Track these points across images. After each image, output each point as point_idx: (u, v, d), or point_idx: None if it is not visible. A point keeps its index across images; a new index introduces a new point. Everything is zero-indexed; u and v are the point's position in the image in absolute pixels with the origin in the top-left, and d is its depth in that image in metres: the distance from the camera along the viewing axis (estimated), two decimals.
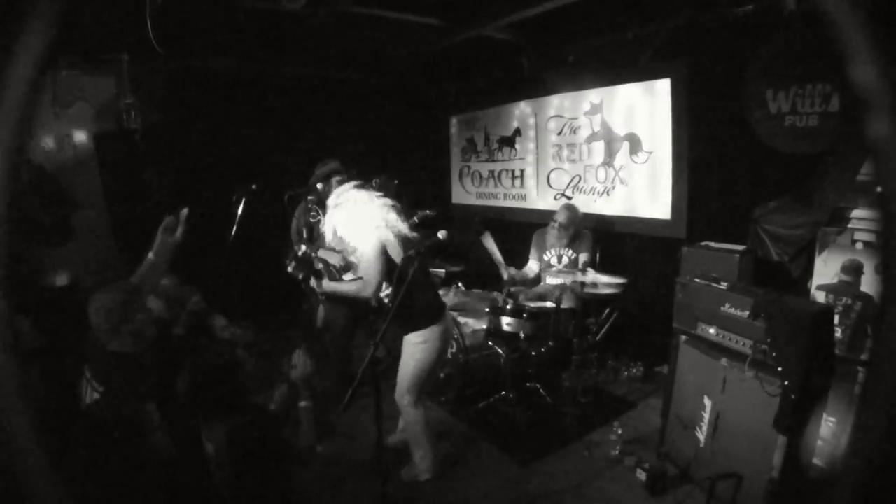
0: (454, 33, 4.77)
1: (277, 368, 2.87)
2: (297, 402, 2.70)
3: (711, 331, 2.83)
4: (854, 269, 3.07)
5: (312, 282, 2.91)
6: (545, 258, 4.45)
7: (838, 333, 2.93)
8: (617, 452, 3.25)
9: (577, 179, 5.13)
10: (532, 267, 4.55)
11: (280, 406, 2.68)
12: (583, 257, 4.28)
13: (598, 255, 4.35)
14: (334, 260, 3.91)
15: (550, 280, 4.20)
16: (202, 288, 3.44)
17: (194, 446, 2.25)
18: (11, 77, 0.52)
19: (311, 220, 3.98)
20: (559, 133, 5.25)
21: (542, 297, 4.24)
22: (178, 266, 3.71)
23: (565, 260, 4.35)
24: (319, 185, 3.98)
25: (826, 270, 3.19)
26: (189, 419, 2.31)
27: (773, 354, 2.46)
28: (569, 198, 5.17)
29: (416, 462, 3.09)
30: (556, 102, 5.23)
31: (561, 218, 4.35)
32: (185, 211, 2.44)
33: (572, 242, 4.36)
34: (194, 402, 2.17)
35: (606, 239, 4.58)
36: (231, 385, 2.26)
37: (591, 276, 3.87)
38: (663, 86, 4.24)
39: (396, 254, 2.82)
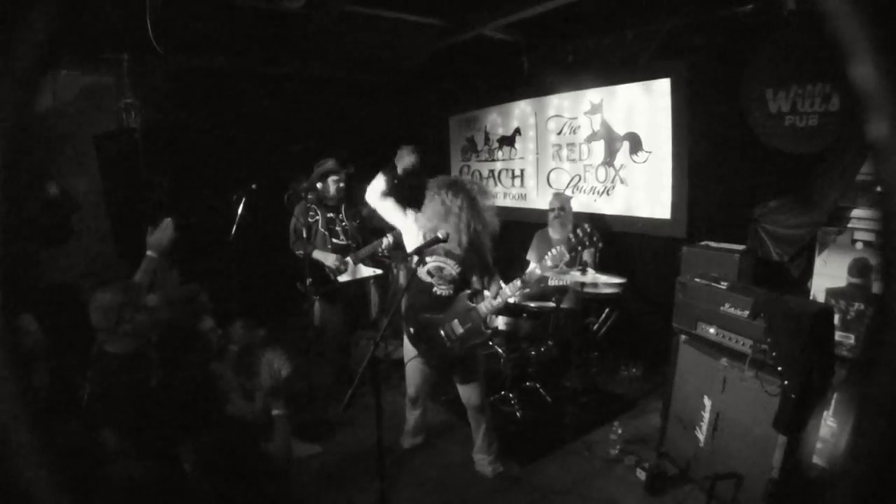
0: (454, 33, 4.77)
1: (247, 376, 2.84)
2: (270, 411, 2.66)
3: (711, 330, 2.83)
4: (863, 269, 3.03)
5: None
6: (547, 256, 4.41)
7: (851, 340, 2.91)
8: (617, 452, 3.25)
9: (576, 179, 5.13)
10: (532, 270, 4.51)
11: (257, 416, 2.65)
12: (587, 256, 4.26)
13: (598, 255, 4.34)
14: (329, 262, 3.91)
15: (552, 282, 4.19)
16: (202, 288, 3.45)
17: (171, 465, 2.23)
18: (11, 76, 0.52)
19: (310, 220, 3.98)
20: (559, 133, 5.25)
21: (543, 297, 4.24)
22: (179, 266, 3.73)
23: (567, 258, 4.31)
24: (319, 185, 3.98)
25: (826, 270, 3.19)
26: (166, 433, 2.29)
27: (773, 354, 2.46)
28: (568, 197, 5.16)
29: (493, 449, 3.19)
30: (556, 102, 5.23)
31: (556, 203, 4.35)
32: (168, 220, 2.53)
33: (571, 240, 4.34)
34: (169, 420, 2.15)
35: (606, 239, 4.56)
36: (203, 401, 2.24)
37: (592, 275, 3.87)
38: (663, 85, 4.23)
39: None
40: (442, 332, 2.91)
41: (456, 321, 2.90)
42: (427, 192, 2.94)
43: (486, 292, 2.94)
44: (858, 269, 3.04)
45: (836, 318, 2.94)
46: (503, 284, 2.90)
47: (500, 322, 3.82)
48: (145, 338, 2.20)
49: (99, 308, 2.12)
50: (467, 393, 3.09)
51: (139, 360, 2.16)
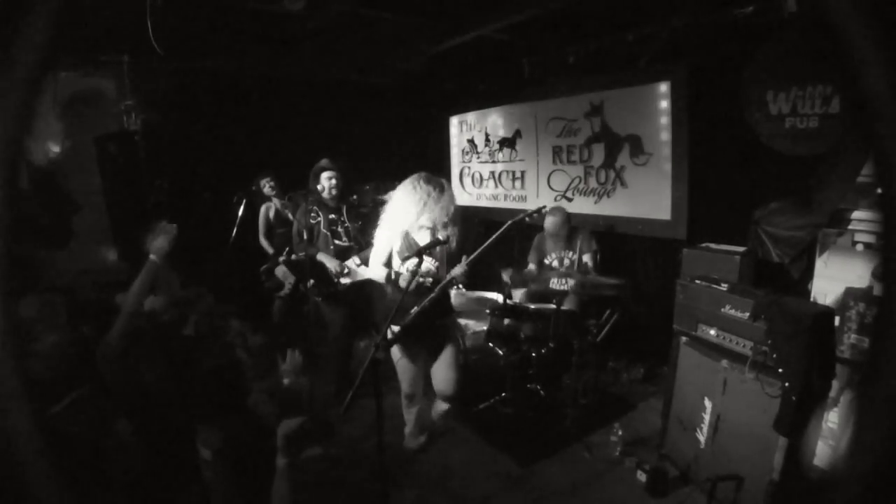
0: (455, 35, 4.76)
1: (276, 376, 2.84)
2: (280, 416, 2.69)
3: (712, 332, 2.83)
4: None
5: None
6: (546, 262, 4.43)
7: (866, 344, 2.88)
8: (617, 454, 3.25)
9: (577, 181, 5.13)
10: (531, 269, 4.53)
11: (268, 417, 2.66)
12: (587, 258, 4.26)
13: (598, 256, 4.34)
14: (332, 265, 3.91)
15: (554, 285, 4.20)
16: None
17: (183, 453, 2.23)
18: (12, 77, 0.52)
19: (311, 221, 3.98)
20: (559, 135, 5.25)
21: (543, 298, 4.24)
22: (180, 267, 3.72)
23: (566, 262, 4.32)
24: (319, 187, 3.98)
25: (827, 272, 3.19)
26: (174, 425, 2.28)
27: (774, 356, 2.46)
28: (569, 199, 5.17)
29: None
30: (557, 104, 5.23)
31: (547, 225, 4.32)
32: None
33: (570, 243, 4.34)
34: (192, 403, 2.14)
35: (607, 240, 4.57)
36: (231, 388, 2.24)
37: (592, 277, 3.87)
38: (664, 87, 4.23)
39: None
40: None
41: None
42: (399, 189, 3.01)
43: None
44: None
45: (853, 321, 2.93)
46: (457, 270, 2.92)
47: (503, 323, 3.82)
48: (55, 363, 1.90)
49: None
50: (441, 376, 3.12)
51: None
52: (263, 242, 4.89)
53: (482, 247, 2.88)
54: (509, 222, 2.97)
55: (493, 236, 2.89)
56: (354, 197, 4.17)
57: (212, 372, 2.16)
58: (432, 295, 2.85)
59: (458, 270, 2.89)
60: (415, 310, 2.86)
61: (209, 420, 2.13)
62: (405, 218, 2.98)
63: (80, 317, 2.41)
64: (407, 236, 3.02)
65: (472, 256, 2.89)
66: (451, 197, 3.00)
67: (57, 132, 4.47)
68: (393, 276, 3.01)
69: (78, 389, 1.93)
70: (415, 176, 3.02)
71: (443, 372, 3.12)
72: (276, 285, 4.76)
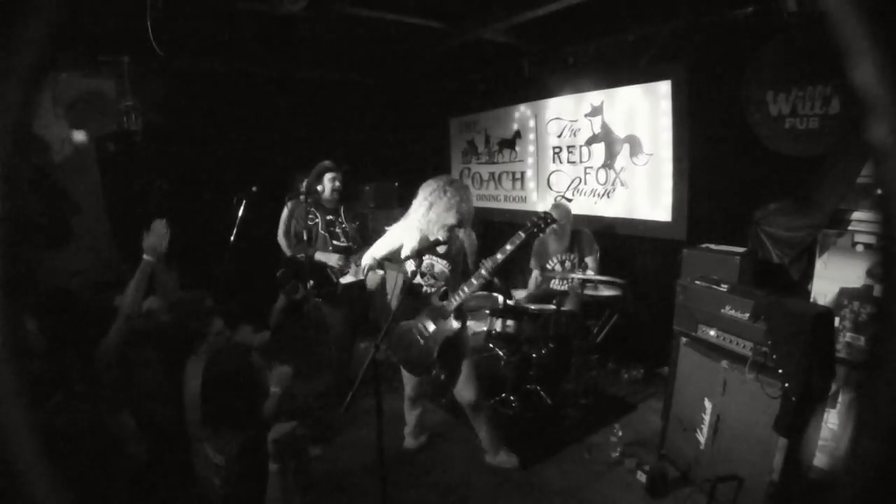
0: (455, 36, 4.77)
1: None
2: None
3: (712, 333, 2.83)
4: None
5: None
6: (548, 266, 4.40)
7: (861, 342, 2.88)
8: (617, 454, 3.25)
9: (577, 181, 5.13)
10: (536, 277, 4.52)
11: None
12: (590, 261, 4.24)
13: (598, 258, 4.33)
14: (332, 262, 3.91)
15: (554, 286, 4.19)
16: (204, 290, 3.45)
17: (184, 454, 2.21)
18: (11, 77, 0.52)
19: (310, 222, 3.97)
20: (559, 135, 5.25)
21: (544, 300, 4.23)
22: (180, 268, 3.72)
23: (568, 265, 4.31)
24: (319, 188, 3.97)
25: (826, 272, 3.19)
26: (174, 426, 2.27)
27: (774, 356, 2.46)
28: (569, 200, 5.16)
29: (499, 444, 3.27)
30: (557, 105, 5.23)
31: (555, 216, 4.28)
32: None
33: (573, 245, 4.33)
34: (207, 408, 2.13)
35: (607, 241, 4.57)
36: (246, 393, 2.22)
37: (592, 278, 3.87)
38: (664, 87, 4.23)
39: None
40: (415, 332, 2.95)
41: (427, 320, 2.94)
42: (426, 189, 2.99)
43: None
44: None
45: (848, 320, 2.93)
46: (473, 282, 2.88)
47: (503, 324, 3.82)
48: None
49: None
50: (458, 389, 3.12)
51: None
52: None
53: (495, 264, 2.79)
54: (522, 234, 2.81)
55: (507, 252, 2.78)
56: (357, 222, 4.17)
57: (226, 378, 2.15)
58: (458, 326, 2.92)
59: (469, 290, 2.84)
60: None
61: (223, 426, 2.12)
62: (419, 218, 2.97)
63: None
64: (422, 238, 2.99)
65: (484, 274, 2.82)
66: (463, 199, 2.97)
67: (57, 132, 4.48)
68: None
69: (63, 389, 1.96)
70: (440, 178, 3.01)
71: (463, 380, 3.10)
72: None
